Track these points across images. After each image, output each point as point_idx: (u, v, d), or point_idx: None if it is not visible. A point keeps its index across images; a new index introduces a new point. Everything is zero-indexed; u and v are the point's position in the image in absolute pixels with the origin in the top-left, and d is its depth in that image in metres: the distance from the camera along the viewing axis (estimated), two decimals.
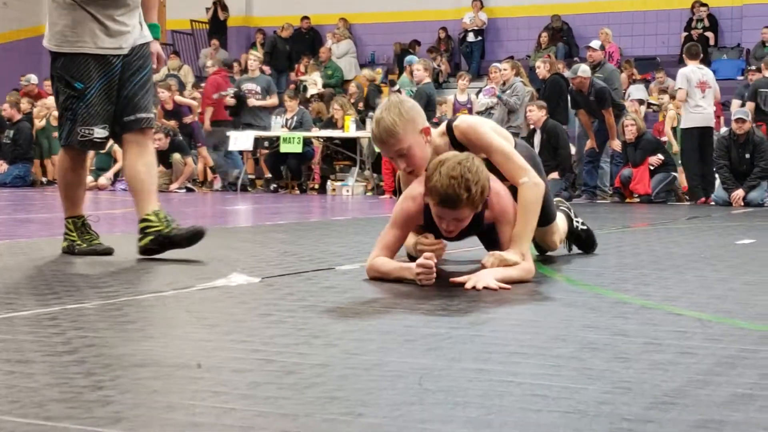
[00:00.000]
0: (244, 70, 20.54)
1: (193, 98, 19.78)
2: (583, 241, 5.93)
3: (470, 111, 16.83)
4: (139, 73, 5.82)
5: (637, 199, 15.01)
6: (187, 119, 18.60)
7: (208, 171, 18.83)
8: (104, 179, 18.22)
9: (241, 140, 18.09)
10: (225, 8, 26.37)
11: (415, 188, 4.72)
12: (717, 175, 14.60)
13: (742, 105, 15.31)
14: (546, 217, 5.10)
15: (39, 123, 19.78)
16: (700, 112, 14.64)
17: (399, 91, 16.68)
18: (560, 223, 5.58)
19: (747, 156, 14.20)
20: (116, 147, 16.70)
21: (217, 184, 18.59)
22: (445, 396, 2.38)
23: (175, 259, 5.55)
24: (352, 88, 20.82)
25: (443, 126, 4.93)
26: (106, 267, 5.29)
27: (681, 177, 15.34)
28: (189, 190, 17.78)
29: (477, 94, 17.70)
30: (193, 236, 5.67)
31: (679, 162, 15.41)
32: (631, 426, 2.13)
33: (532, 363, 2.79)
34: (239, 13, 27.03)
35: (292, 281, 4.67)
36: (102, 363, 2.72)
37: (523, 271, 4.59)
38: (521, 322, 3.57)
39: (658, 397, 2.38)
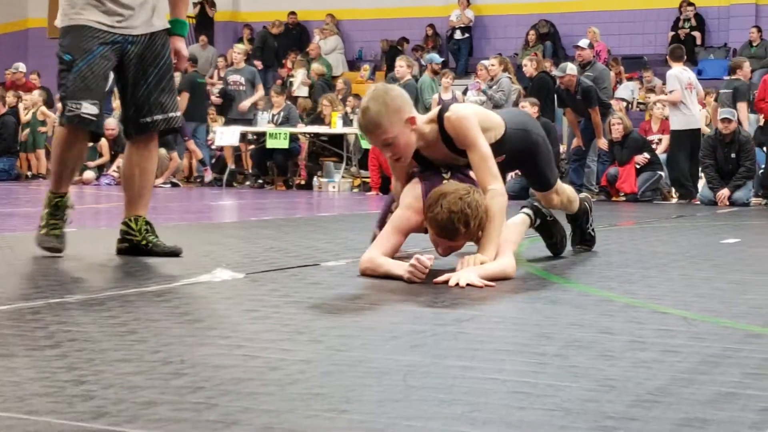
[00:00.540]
0: (231, 65, 20.55)
1: None
2: (585, 242, 6.05)
3: None
4: (154, 66, 5.52)
5: (623, 198, 15.03)
6: None
7: (194, 166, 18.79)
8: (89, 173, 18.17)
9: (227, 135, 18.05)
10: (213, 5, 26.32)
11: (415, 201, 4.84)
12: (702, 175, 14.63)
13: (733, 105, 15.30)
14: (546, 183, 5.53)
15: (25, 116, 19.73)
16: (690, 114, 14.66)
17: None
18: (567, 190, 5.81)
19: (732, 156, 14.23)
20: (102, 141, 16.67)
21: (208, 177, 18.55)
22: (430, 393, 2.37)
23: (160, 255, 5.53)
24: (340, 84, 20.79)
25: (434, 113, 4.93)
26: (89, 262, 5.28)
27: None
28: (174, 185, 17.74)
29: (464, 92, 17.68)
30: (169, 255, 5.45)
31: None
32: (615, 424, 2.13)
33: (517, 360, 2.79)
34: (226, 8, 26.98)
35: (277, 277, 4.66)
36: (85, 358, 2.71)
37: (503, 266, 4.62)
38: (506, 320, 3.57)
39: (642, 395, 2.38)
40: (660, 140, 16.30)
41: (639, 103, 19.27)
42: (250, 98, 18.76)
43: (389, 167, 5.15)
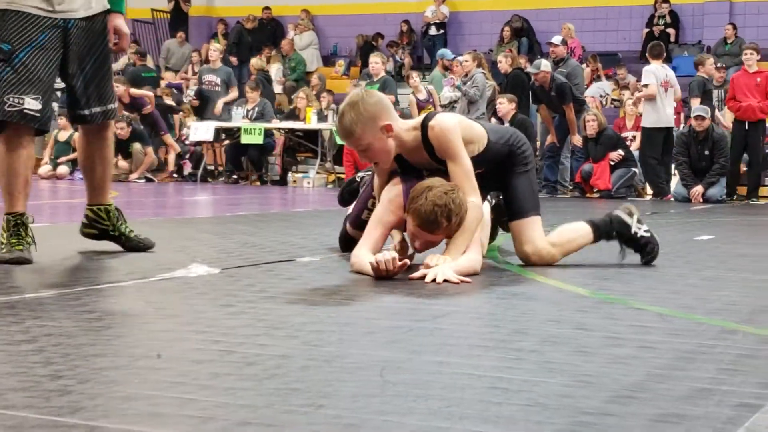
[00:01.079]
0: (205, 61, 20.51)
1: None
2: (640, 247, 5.38)
3: (433, 106, 16.82)
4: (92, 54, 5.12)
5: (598, 195, 15.07)
6: (146, 110, 18.53)
7: (170, 160, 18.74)
8: (63, 168, 18.10)
9: (201, 131, 18.00)
10: (187, 0, 26.25)
11: (395, 197, 4.84)
12: (676, 172, 14.68)
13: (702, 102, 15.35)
14: (518, 208, 5.11)
15: None
16: (662, 111, 14.69)
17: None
18: (537, 233, 5.15)
19: (706, 153, 14.28)
20: (76, 135, 16.59)
21: (187, 169, 18.53)
22: (406, 388, 2.38)
23: (132, 247, 5.51)
24: (315, 80, 20.77)
25: (418, 121, 4.90)
26: (64, 257, 5.25)
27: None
28: (148, 180, 17.69)
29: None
30: (142, 249, 5.39)
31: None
32: (591, 419, 2.14)
33: (493, 356, 2.80)
34: (200, 3, 26.91)
35: (252, 272, 4.66)
36: (61, 352, 2.70)
37: (471, 262, 4.64)
38: (482, 316, 3.58)
39: (617, 391, 2.40)
40: (634, 137, 16.34)
41: (613, 99, 19.32)
42: (223, 98, 18.71)
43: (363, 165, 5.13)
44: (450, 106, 16.29)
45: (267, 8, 25.52)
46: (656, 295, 4.20)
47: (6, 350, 2.72)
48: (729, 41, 20.55)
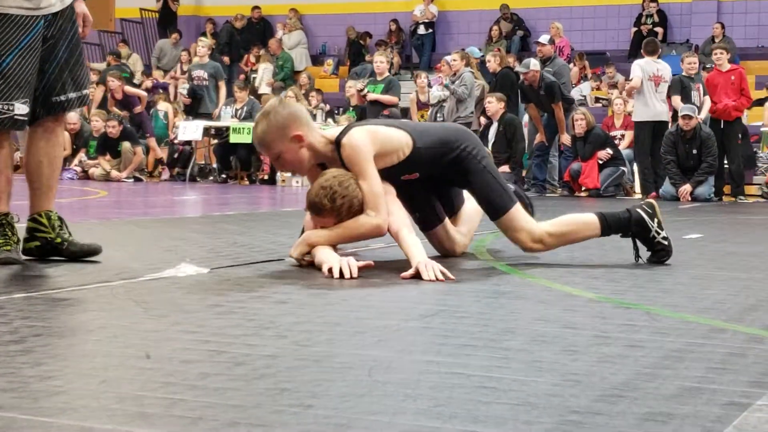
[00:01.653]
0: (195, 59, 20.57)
1: (146, 89, 19.83)
2: (653, 251, 5.30)
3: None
4: (64, 39, 4.92)
5: (586, 193, 15.10)
6: (137, 109, 18.54)
7: (150, 162, 18.76)
8: None
9: (189, 130, 17.99)
10: None
11: None
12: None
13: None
14: (492, 206, 5.10)
15: None
16: (651, 105, 14.70)
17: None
18: (524, 221, 5.13)
19: (694, 151, 14.30)
20: (65, 135, 16.56)
21: (165, 174, 18.54)
22: (395, 388, 2.38)
23: (123, 250, 5.51)
24: (303, 79, 20.77)
25: (333, 135, 4.93)
26: (52, 257, 5.24)
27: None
28: (137, 179, 17.68)
29: (428, 85, 17.68)
30: (88, 254, 4.98)
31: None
32: (579, 418, 2.14)
33: (481, 355, 2.80)
34: (189, 2, 26.89)
35: (241, 272, 4.66)
36: (50, 353, 2.70)
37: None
38: (471, 315, 3.58)
39: (606, 390, 2.40)
40: (623, 136, 16.38)
41: (601, 98, 19.35)
42: (218, 101, 18.73)
43: None
44: (439, 105, 16.30)
45: (256, 7, 25.53)
46: (644, 293, 4.20)
47: None
48: (717, 40, 20.59)
